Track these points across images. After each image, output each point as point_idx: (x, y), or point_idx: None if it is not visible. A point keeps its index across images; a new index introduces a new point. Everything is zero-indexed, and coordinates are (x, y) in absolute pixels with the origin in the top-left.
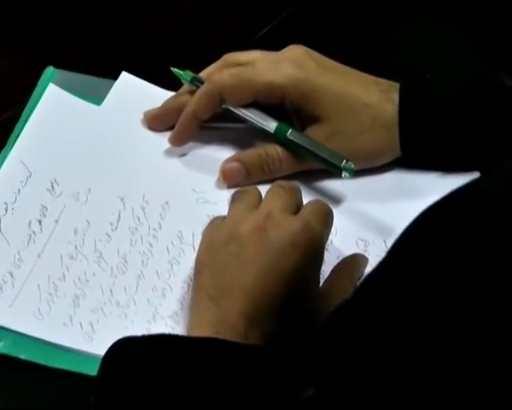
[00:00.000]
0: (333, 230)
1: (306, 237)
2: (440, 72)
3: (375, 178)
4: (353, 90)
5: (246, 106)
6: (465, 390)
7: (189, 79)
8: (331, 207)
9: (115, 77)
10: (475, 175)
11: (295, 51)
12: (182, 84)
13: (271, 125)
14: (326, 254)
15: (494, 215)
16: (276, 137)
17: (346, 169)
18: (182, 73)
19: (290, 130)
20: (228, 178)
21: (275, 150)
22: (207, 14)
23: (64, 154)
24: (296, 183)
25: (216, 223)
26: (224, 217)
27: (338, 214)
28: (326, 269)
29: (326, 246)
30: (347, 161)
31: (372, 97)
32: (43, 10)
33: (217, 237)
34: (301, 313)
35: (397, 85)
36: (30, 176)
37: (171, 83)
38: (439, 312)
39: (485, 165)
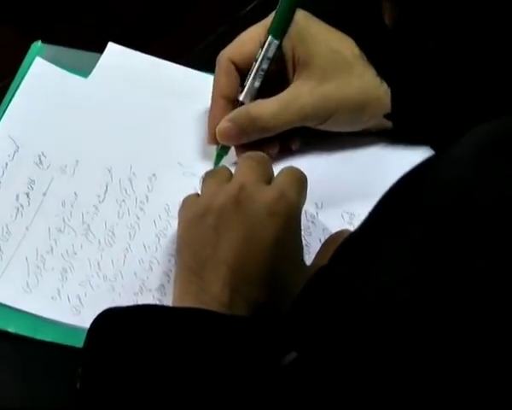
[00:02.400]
0: (318, 202)
1: (282, 204)
2: None
3: (361, 151)
4: (347, 42)
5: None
6: (439, 354)
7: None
8: (317, 180)
9: (103, 51)
10: None
11: None
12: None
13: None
14: (312, 227)
15: (464, 184)
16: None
17: None
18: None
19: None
20: (223, 137)
21: (266, 107)
22: None
23: (51, 127)
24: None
25: (190, 200)
26: (197, 194)
27: (323, 187)
28: (311, 241)
29: (312, 219)
30: None
31: (360, 51)
32: None
33: (193, 213)
34: (284, 281)
35: None
36: (17, 150)
37: (157, 54)
38: (413, 274)
39: None
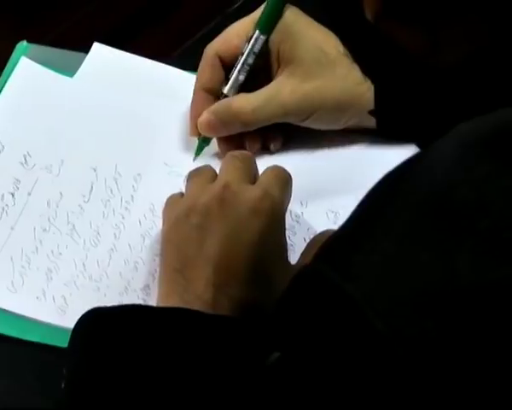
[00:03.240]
0: (303, 201)
1: (266, 203)
2: None
3: (346, 150)
4: (332, 40)
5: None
6: (422, 350)
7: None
8: (301, 178)
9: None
10: None
11: None
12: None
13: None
14: (297, 226)
15: (444, 183)
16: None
17: None
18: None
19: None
20: (204, 129)
21: (247, 101)
22: None
23: (37, 126)
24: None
25: (174, 200)
26: (181, 194)
27: (308, 186)
28: (296, 241)
29: (297, 218)
30: None
31: (345, 50)
32: None
33: (177, 212)
34: (268, 280)
35: None
36: (2, 149)
37: (145, 52)
38: (394, 271)
39: None
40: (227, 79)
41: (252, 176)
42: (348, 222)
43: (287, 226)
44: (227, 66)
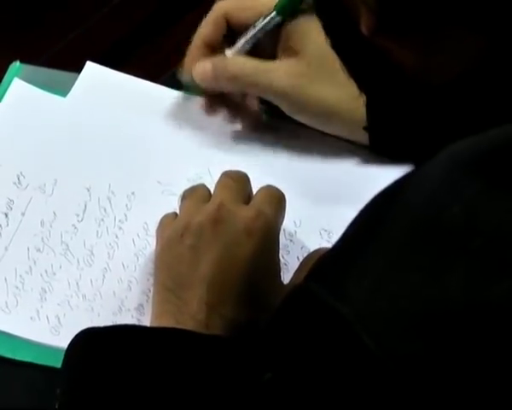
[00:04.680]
0: (297, 220)
1: (259, 224)
2: None
3: (339, 169)
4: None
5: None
6: (418, 370)
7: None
8: (295, 197)
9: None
10: None
11: None
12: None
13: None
14: (290, 245)
15: (432, 203)
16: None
17: None
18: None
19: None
20: (199, 76)
21: (244, 64)
22: (171, 9)
23: (30, 146)
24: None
25: (168, 220)
26: (175, 214)
27: (302, 205)
28: (290, 260)
29: (290, 237)
30: None
31: None
32: (7, 4)
33: (170, 232)
34: (262, 300)
35: None
36: None
37: (136, 73)
38: (387, 290)
39: None
40: (228, 42)
41: (246, 196)
42: (340, 242)
43: (280, 246)
44: (231, 29)
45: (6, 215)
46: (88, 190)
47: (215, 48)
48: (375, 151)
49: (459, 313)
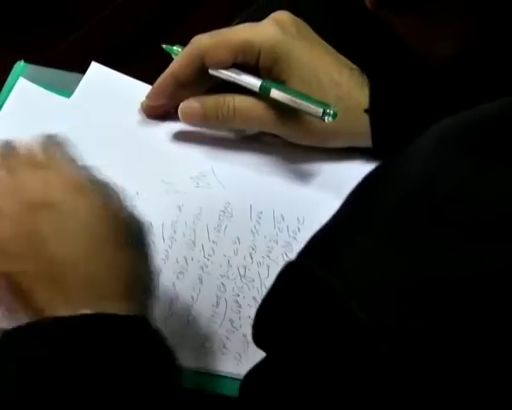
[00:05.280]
0: (300, 218)
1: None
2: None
3: (342, 165)
4: (325, 65)
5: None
6: (405, 343)
7: (179, 53)
8: (299, 194)
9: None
10: None
11: (281, 15)
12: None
13: (256, 82)
14: (293, 243)
15: (425, 176)
16: (262, 95)
17: (328, 115)
18: (173, 48)
19: (272, 88)
20: (185, 116)
21: (232, 100)
22: (175, 9)
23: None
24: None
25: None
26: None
27: (306, 202)
28: (292, 256)
29: (294, 235)
30: (329, 106)
31: (342, 78)
32: (12, 3)
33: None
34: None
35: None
36: None
37: (140, 74)
38: (376, 261)
39: None
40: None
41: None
42: (332, 218)
43: (284, 243)
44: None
45: None
46: None
47: (184, 84)
48: (379, 154)
49: (448, 282)
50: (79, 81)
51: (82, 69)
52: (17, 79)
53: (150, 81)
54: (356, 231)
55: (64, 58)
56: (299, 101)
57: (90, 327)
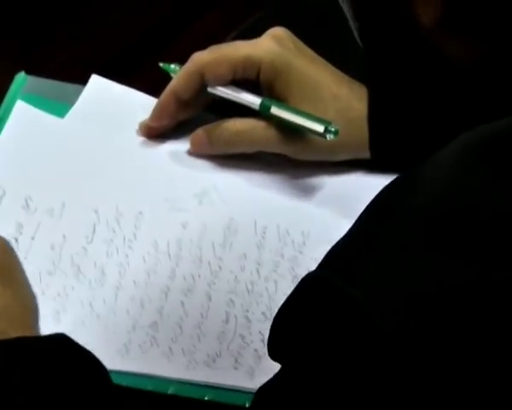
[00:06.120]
0: (305, 231)
1: None
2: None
3: (345, 179)
4: (325, 79)
5: (227, 85)
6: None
7: (177, 71)
8: (302, 208)
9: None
10: None
11: (278, 31)
12: (157, 83)
13: (256, 100)
14: (299, 256)
15: (444, 188)
16: (262, 113)
17: (329, 132)
18: (171, 66)
19: (272, 106)
20: (194, 146)
21: (233, 125)
22: (175, 19)
23: (36, 169)
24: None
25: None
26: None
27: (310, 215)
28: (300, 272)
29: (300, 248)
30: (330, 124)
31: (342, 91)
32: (14, 14)
33: None
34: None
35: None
36: (4, 195)
37: (141, 86)
38: (400, 274)
39: None
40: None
41: None
42: (352, 230)
43: (289, 257)
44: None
45: (16, 240)
46: (96, 213)
47: (185, 102)
48: (378, 166)
49: (462, 295)
50: (80, 93)
51: (83, 81)
52: (18, 90)
53: (150, 92)
54: (378, 243)
55: (65, 70)
56: (300, 118)
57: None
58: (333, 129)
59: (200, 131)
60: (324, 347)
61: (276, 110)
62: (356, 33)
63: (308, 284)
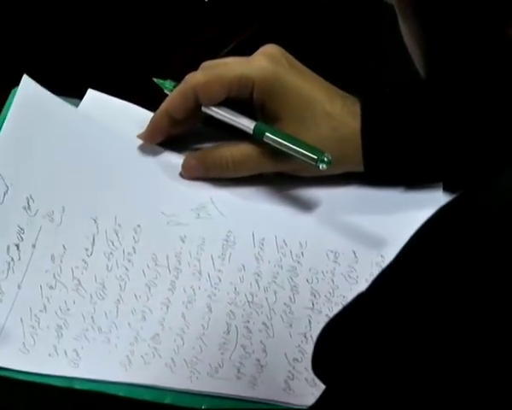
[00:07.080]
0: (302, 242)
1: None
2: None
3: (341, 191)
4: (318, 96)
5: (221, 106)
6: (467, 393)
7: (171, 87)
8: (300, 218)
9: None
10: (439, 187)
11: (270, 48)
12: (155, 97)
13: (249, 124)
14: (298, 267)
15: (495, 230)
16: (255, 138)
17: (322, 162)
18: (164, 82)
19: (266, 132)
20: (188, 172)
21: (229, 152)
22: (169, 35)
23: (39, 165)
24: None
25: None
26: None
27: (307, 226)
28: (299, 282)
29: (298, 259)
30: (323, 154)
31: (335, 108)
32: (11, 28)
33: None
34: None
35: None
36: (7, 191)
37: (138, 100)
38: (445, 312)
39: (449, 176)
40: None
41: None
42: (403, 254)
43: (288, 268)
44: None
45: (17, 247)
46: (95, 222)
47: (179, 121)
48: (371, 179)
49: None
50: (76, 107)
51: (79, 95)
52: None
53: (148, 107)
54: (431, 272)
55: (61, 84)
56: (293, 147)
57: None
58: (325, 159)
59: (193, 159)
60: (375, 365)
61: (269, 138)
62: (420, 63)
63: (359, 306)
